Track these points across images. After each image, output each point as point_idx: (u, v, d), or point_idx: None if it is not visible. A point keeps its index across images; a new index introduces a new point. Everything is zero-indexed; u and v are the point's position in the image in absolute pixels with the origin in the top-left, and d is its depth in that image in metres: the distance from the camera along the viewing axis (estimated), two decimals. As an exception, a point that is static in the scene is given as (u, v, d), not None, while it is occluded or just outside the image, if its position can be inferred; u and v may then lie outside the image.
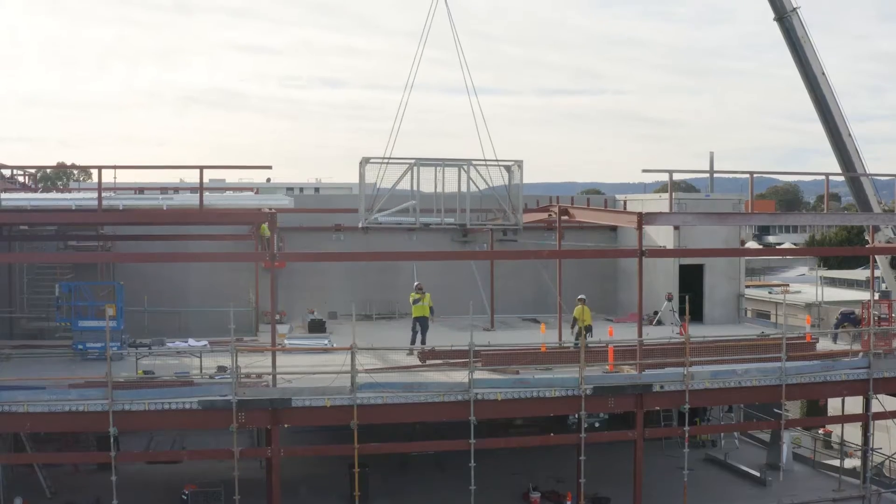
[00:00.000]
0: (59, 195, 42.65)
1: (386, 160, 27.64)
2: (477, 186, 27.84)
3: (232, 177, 77.36)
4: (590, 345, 28.70)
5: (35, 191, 42.25)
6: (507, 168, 28.42)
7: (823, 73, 39.79)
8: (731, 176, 61.92)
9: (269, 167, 34.26)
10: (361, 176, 27.33)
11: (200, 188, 29.79)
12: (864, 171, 40.40)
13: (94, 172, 30.87)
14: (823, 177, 36.53)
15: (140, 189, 42.01)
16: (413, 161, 27.34)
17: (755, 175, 36.22)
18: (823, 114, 40.11)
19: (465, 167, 27.52)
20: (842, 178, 42.52)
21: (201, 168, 29.86)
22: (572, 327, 30.68)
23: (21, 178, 41.54)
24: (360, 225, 28.38)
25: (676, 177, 36.28)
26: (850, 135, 40.04)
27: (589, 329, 30.21)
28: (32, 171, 43.74)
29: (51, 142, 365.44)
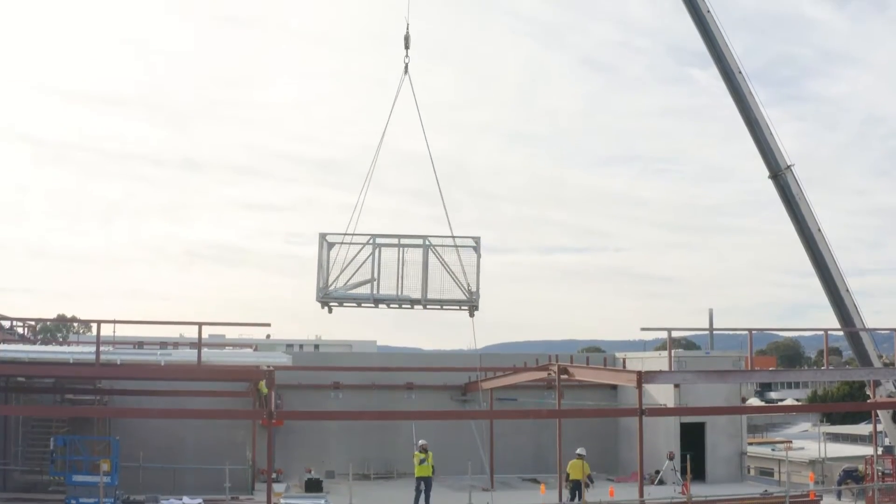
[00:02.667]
0: (58, 348, 42.57)
1: (344, 234, 27.62)
2: (444, 264, 27.50)
3: (232, 333, 77.31)
4: (591, 505, 28.21)
5: (34, 343, 42.23)
6: (467, 245, 28.07)
7: (819, 230, 40.17)
8: (731, 332, 61.68)
9: (268, 325, 34.27)
10: (319, 251, 27.35)
11: (199, 344, 29.79)
12: (863, 325, 40.40)
13: (94, 325, 30.93)
14: (823, 332, 36.53)
15: (139, 343, 41.99)
16: (370, 237, 27.35)
17: (754, 331, 36.24)
18: (820, 270, 40.33)
19: (426, 243, 27.35)
20: (842, 333, 42.52)
21: (200, 324, 29.91)
22: (567, 481, 30.24)
23: (20, 330, 41.57)
24: (315, 299, 28.06)
25: (677, 334, 36.32)
26: (847, 290, 40.17)
27: (589, 480, 29.75)
28: (32, 322, 43.81)
29: (54, 293, 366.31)
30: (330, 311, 28.00)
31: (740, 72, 40.21)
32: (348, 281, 27.35)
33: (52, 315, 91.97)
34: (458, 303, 27.34)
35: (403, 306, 27.64)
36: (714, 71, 40.58)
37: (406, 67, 30.22)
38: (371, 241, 27.25)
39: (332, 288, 27.31)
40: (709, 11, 39.90)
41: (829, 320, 40.09)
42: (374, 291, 27.34)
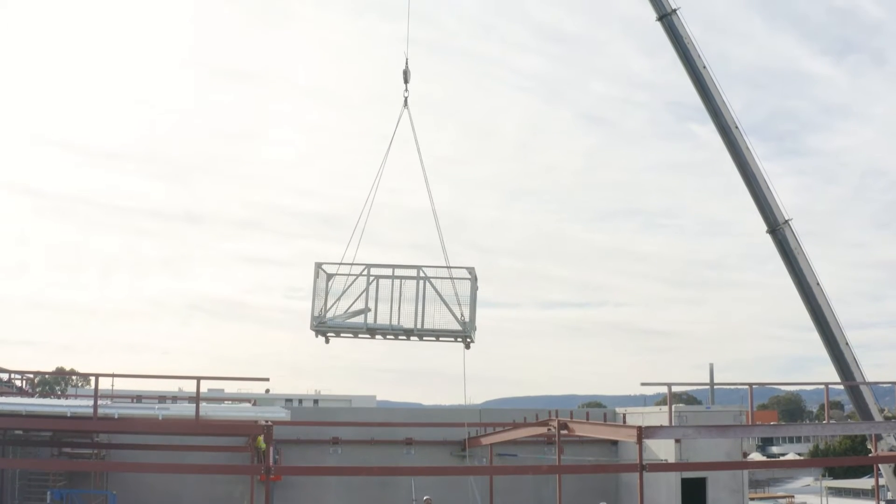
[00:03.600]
0: (56, 401, 42.42)
1: (340, 264, 27.61)
2: (438, 294, 27.39)
3: (231, 387, 77.16)
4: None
5: (32, 395, 42.09)
6: (463, 276, 27.93)
7: (818, 284, 40.17)
8: (731, 387, 61.55)
9: (267, 379, 34.09)
10: (315, 281, 27.30)
11: (197, 399, 29.69)
12: (863, 379, 40.28)
13: (93, 379, 30.85)
14: (823, 386, 36.41)
15: (137, 397, 41.86)
16: (365, 267, 27.31)
17: (755, 386, 36.12)
18: (819, 324, 40.28)
19: (421, 273, 27.29)
20: (843, 387, 42.39)
21: (198, 378, 29.83)
22: None
23: (19, 382, 41.47)
24: (310, 328, 27.94)
25: (677, 388, 36.21)
26: (847, 344, 40.10)
27: None
28: (31, 375, 43.70)
29: (53, 346, 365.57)
30: (327, 341, 27.97)
31: (737, 127, 40.45)
32: (348, 309, 27.38)
33: (51, 368, 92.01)
34: (453, 333, 27.25)
35: (399, 337, 27.59)
36: (713, 125, 40.84)
37: (406, 101, 30.51)
38: (366, 272, 27.31)
39: (327, 317, 27.31)
40: (705, 67, 40.23)
41: (830, 374, 39.98)
42: (370, 321, 27.33)
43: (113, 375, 35.74)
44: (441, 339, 27.44)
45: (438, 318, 27.41)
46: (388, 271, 27.40)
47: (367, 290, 27.18)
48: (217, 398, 50.95)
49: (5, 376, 38.90)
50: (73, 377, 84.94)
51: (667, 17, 40.75)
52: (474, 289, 27.43)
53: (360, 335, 27.67)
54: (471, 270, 27.49)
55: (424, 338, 27.39)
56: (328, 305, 27.36)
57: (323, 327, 27.33)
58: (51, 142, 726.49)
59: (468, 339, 27.35)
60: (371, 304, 27.33)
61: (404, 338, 27.55)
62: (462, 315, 27.00)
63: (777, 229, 40.27)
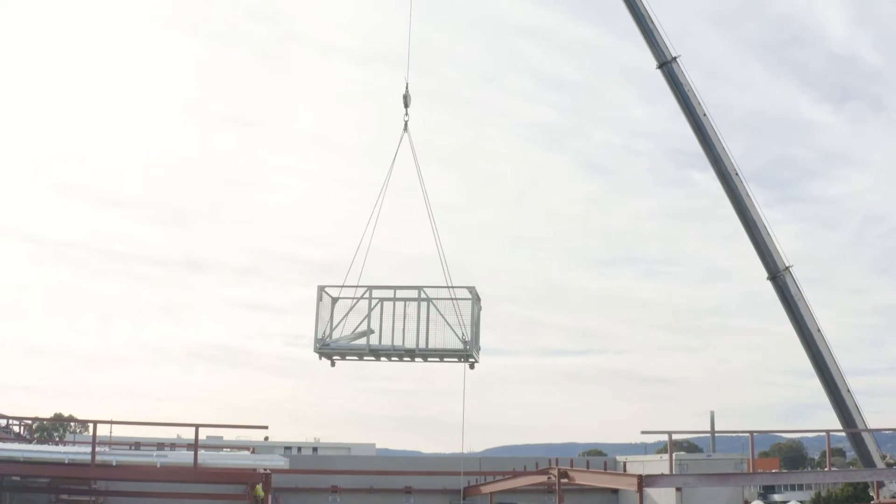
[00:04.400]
0: (54, 447, 42.28)
1: (342, 287, 27.54)
2: (440, 313, 27.20)
3: (230, 434, 76.80)
4: None
5: (30, 441, 41.92)
6: (465, 297, 27.70)
7: (819, 330, 40.17)
8: (732, 434, 61.28)
9: (266, 427, 34.12)
10: (318, 304, 27.20)
11: (195, 446, 29.59)
12: (865, 425, 40.15)
13: (91, 425, 30.79)
14: (825, 433, 36.26)
15: (136, 444, 41.67)
16: (366, 289, 27.21)
17: (756, 433, 35.99)
18: (821, 370, 40.24)
19: (423, 294, 27.15)
20: (844, 433, 42.22)
21: (197, 426, 29.75)
22: None
23: (17, 428, 41.29)
24: (313, 351, 27.75)
25: (678, 436, 36.04)
26: (848, 390, 40.02)
27: None
28: (29, 421, 43.55)
29: (52, 392, 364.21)
30: (333, 364, 27.84)
31: (737, 173, 40.70)
32: (354, 331, 27.25)
33: (49, 414, 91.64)
34: (456, 353, 27.07)
35: (404, 359, 27.46)
36: (713, 172, 41.04)
37: (406, 125, 30.77)
38: (367, 295, 27.25)
39: (330, 341, 27.19)
40: (705, 115, 40.55)
41: (832, 420, 39.91)
42: (374, 342, 27.16)
43: (111, 422, 35.65)
44: (445, 359, 27.38)
45: (441, 338, 27.32)
46: (390, 293, 27.33)
47: (369, 312, 27.16)
48: (216, 445, 50.69)
49: (3, 422, 38.77)
50: (72, 423, 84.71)
51: (667, 65, 41.14)
52: (476, 308, 27.41)
53: (364, 357, 27.58)
54: (471, 290, 27.38)
55: (428, 358, 27.29)
56: (333, 327, 27.33)
57: (326, 349, 27.30)
58: (51, 186, 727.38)
59: (471, 359, 27.25)
60: (374, 326, 27.30)
61: (408, 359, 27.46)
62: (464, 334, 26.86)
63: (777, 276, 40.36)
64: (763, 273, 40.83)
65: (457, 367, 27.73)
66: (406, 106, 30.98)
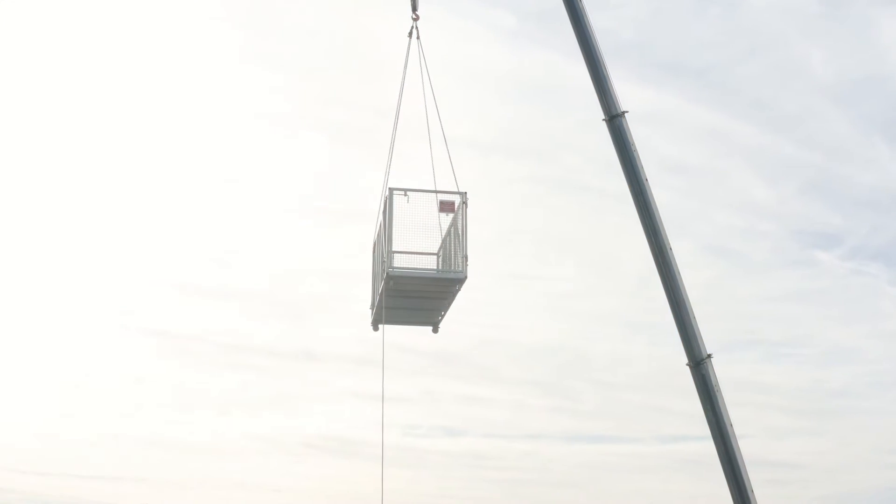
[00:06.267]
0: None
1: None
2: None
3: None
4: None
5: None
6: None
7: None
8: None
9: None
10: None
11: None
12: None
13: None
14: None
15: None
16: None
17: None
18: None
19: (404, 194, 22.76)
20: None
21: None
22: None
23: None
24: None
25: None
26: None
27: None
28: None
29: (164, 483, 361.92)
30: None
31: (670, 248, 37.47)
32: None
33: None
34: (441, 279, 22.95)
35: None
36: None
37: (412, 30, 25.23)
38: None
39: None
40: (647, 180, 37.56)
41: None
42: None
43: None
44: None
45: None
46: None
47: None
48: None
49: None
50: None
51: (616, 119, 38.26)
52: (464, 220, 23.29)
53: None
54: (463, 195, 22.75)
55: None
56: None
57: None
58: (170, 284, 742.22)
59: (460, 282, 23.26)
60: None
61: None
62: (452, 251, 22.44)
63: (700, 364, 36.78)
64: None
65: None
66: (414, 10, 25.07)
